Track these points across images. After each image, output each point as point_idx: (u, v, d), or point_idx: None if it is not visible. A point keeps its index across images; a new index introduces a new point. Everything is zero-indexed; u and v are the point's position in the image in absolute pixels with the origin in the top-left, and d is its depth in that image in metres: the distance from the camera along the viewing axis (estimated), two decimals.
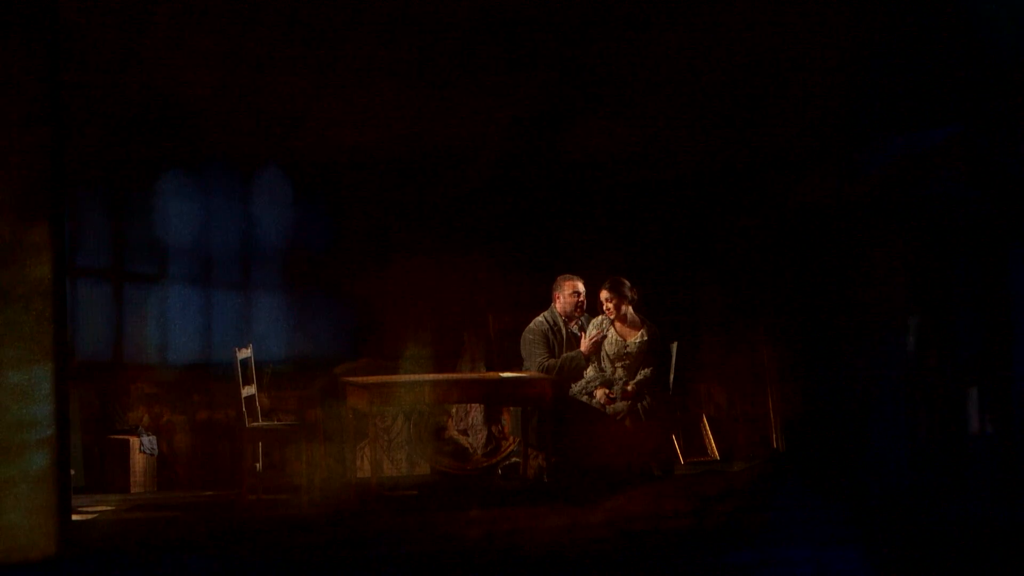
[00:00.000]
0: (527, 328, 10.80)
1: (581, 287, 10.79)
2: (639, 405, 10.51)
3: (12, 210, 8.23)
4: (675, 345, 10.83)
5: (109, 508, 10.33)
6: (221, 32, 10.96)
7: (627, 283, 10.65)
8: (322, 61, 11.31)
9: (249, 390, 10.50)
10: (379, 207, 12.11)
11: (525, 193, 12.20)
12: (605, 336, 10.65)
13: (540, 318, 10.82)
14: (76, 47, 10.18)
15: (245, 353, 10.57)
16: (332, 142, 11.77)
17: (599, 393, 10.51)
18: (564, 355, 10.68)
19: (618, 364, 10.63)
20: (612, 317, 10.64)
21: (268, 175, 11.94)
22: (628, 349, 10.62)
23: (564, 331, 10.80)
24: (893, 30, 11.46)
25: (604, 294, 10.64)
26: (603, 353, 10.67)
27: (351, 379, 10.76)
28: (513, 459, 11.36)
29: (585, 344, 10.66)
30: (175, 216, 11.79)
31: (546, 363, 10.63)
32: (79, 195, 11.36)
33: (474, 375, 11.38)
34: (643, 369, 10.63)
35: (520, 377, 10.56)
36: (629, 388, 10.49)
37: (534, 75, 11.69)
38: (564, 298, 10.79)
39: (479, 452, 11.56)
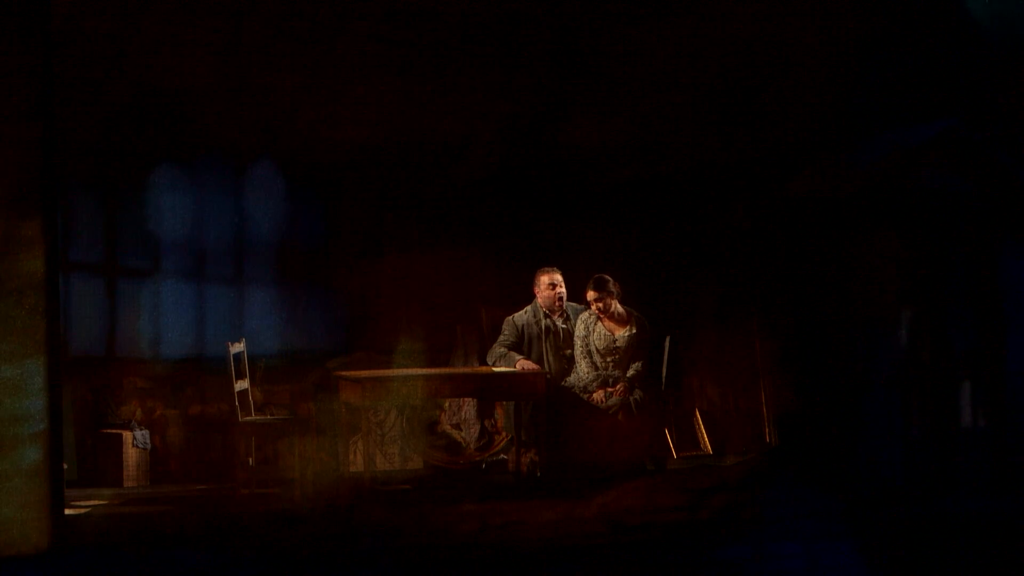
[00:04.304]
0: (510, 315, 10.85)
1: (558, 278, 10.83)
2: (631, 399, 10.52)
3: (4, 204, 8.21)
4: (668, 339, 10.84)
5: (102, 502, 10.32)
6: (214, 26, 10.96)
7: (610, 279, 10.65)
8: (315, 55, 11.31)
9: (242, 384, 10.50)
10: (372, 201, 12.10)
11: (518, 188, 12.19)
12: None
13: (523, 311, 10.85)
14: (69, 41, 10.17)
15: (238, 347, 10.57)
16: (325, 136, 11.75)
17: (597, 396, 10.53)
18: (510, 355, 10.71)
19: (608, 359, 10.64)
20: (597, 311, 10.65)
21: (261, 169, 11.92)
22: (617, 343, 10.62)
23: (544, 323, 10.81)
24: (886, 24, 11.47)
25: (590, 295, 10.65)
26: (592, 348, 10.67)
27: (344, 373, 10.75)
28: (501, 456, 11.37)
29: None
30: (168, 210, 11.77)
31: (499, 349, 10.68)
32: (72, 189, 11.34)
33: (467, 369, 11.38)
34: (634, 363, 10.64)
35: (513, 372, 10.56)
36: (619, 388, 10.54)
37: (527, 70, 11.69)
38: (541, 292, 10.82)
39: (472, 446, 11.56)
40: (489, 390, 10.74)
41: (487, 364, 10.88)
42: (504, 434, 11.42)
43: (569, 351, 10.80)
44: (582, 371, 10.67)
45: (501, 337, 10.79)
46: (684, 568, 8.24)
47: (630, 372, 10.61)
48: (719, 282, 12.15)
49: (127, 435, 11.24)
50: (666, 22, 11.40)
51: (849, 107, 11.51)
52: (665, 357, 10.83)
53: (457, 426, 11.63)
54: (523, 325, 10.79)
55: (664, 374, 10.83)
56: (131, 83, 11.14)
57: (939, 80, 11.52)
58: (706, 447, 11.88)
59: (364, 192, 12.09)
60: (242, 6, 10.90)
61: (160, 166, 11.69)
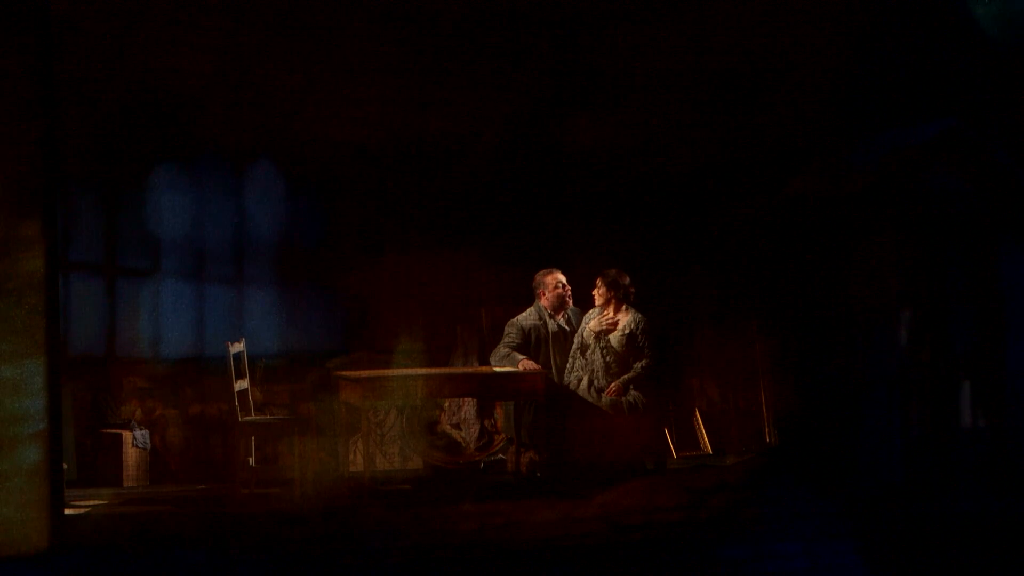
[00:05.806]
0: (513, 318, 10.83)
1: (561, 277, 10.83)
2: (630, 399, 10.51)
3: (4, 204, 8.22)
4: (667, 339, 10.84)
5: (102, 502, 10.32)
6: (214, 25, 10.96)
7: (627, 279, 10.64)
8: (316, 55, 11.31)
9: (242, 384, 10.50)
10: (372, 201, 12.10)
11: (519, 187, 12.19)
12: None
13: (526, 313, 10.83)
14: (69, 40, 10.17)
15: (238, 347, 10.56)
16: (325, 136, 11.75)
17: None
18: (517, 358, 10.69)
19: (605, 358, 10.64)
20: (598, 304, 10.65)
21: (261, 169, 11.92)
22: (613, 344, 10.62)
23: (550, 325, 10.81)
24: (886, 24, 11.48)
25: (599, 280, 10.64)
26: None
27: (344, 373, 10.75)
28: (500, 456, 11.37)
29: None
30: (168, 210, 11.77)
31: (503, 349, 10.66)
32: (72, 189, 11.34)
33: (467, 369, 11.38)
34: (636, 364, 10.63)
35: (513, 371, 10.56)
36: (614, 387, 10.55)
37: (528, 69, 11.69)
38: (549, 293, 10.81)
39: (472, 446, 11.56)
40: (489, 390, 10.73)
41: (488, 364, 10.88)
42: (503, 434, 11.43)
43: None
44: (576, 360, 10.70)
45: (506, 339, 10.77)
46: (684, 568, 8.24)
47: (631, 373, 10.60)
48: (719, 282, 12.15)
49: (127, 435, 11.24)
50: (666, 22, 11.41)
51: (849, 107, 11.51)
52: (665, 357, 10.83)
53: (457, 426, 11.63)
54: (530, 328, 10.77)
55: (663, 374, 10.83)
56: (131, 83, 11.14)
57: (939, 80, 11.52)
58: (706, 447, 11.89)
59: (364, 192, 12.08)
60: (242, 6, 10.90)
61: (160, 166, 11.69)
